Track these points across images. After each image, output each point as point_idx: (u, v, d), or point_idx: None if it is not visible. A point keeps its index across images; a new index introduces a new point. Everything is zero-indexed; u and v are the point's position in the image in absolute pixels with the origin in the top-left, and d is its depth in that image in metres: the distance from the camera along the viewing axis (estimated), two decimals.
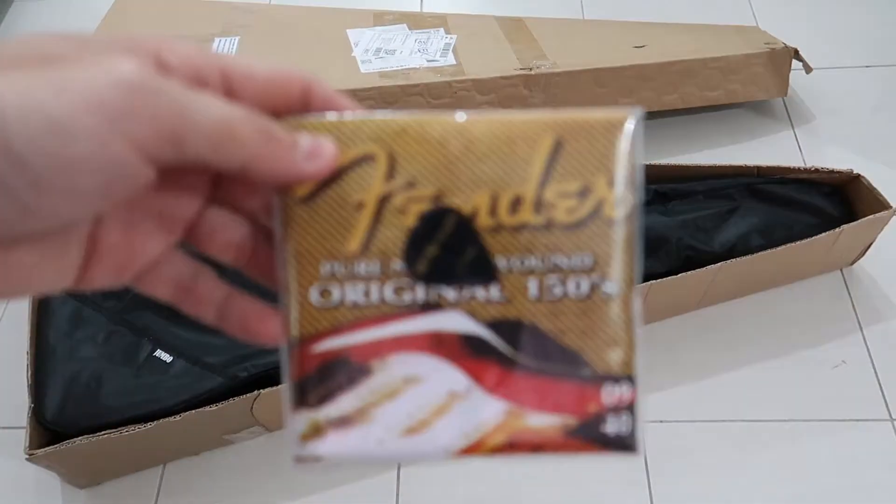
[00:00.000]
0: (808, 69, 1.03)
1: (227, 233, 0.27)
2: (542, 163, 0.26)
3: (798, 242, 0.79)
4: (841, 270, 0.89)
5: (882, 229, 0.84)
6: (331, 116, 0.26)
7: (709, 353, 0.83)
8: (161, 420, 0.69)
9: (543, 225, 0.26)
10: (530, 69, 0.96)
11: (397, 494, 0.76)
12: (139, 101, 0.20)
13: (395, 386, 0.26)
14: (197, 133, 0.21)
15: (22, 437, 0.70)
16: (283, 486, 0.77)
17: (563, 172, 0.26)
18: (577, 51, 1.01)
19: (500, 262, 0.26)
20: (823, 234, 0.79)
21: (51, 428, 0.72)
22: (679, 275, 0.77)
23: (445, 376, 0.26)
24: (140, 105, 0.20)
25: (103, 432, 0.69)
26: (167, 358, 0.75)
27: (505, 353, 0.26)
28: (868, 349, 0.83)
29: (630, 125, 0.26)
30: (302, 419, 0.26)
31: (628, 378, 0.26)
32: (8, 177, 0.19)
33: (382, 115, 0.26)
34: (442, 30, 1.06)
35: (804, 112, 1.08)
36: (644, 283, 0.76)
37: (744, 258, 0.78)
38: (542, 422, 0.26)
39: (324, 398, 0.26)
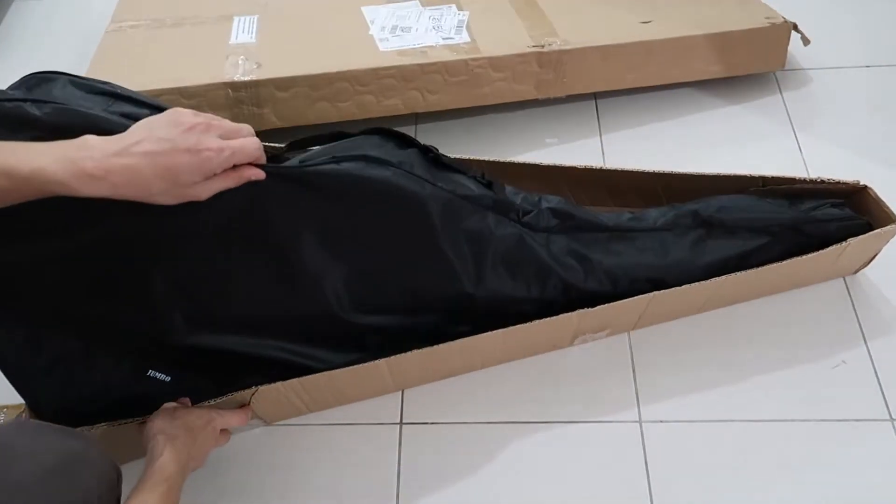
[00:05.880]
0: (805, 41, 1.06)
1: None
2: None
3: (804, 256, 0.77)
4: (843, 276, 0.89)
5: (888, 242, 0.82)
6: None
7: (709, 354, 0.83)
8: None
9: None
10: (542, 46, 0.98)
11: (397, 495, 0.76)
12: None
13: None
14: None
15: None
16: (282, 484, 0.77)
17: None
18: (585, 27, 1.03)
19: None
20: (829, 249, 0.77)
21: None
22: (681, 287, 0.76)
23: None
24: None
25: (102, 423, 0.68)
26: (164, 378, 0.72)
27: None
28: (868, 349, 0.83)
29: None
30: None
31: None
32: None
33: None
34: (454, 6, 1.07)
35: (804, 112, 1.08)
36: (646, 295, 0.75)
37: (748, 271, 0.77)
38: None
39: None
